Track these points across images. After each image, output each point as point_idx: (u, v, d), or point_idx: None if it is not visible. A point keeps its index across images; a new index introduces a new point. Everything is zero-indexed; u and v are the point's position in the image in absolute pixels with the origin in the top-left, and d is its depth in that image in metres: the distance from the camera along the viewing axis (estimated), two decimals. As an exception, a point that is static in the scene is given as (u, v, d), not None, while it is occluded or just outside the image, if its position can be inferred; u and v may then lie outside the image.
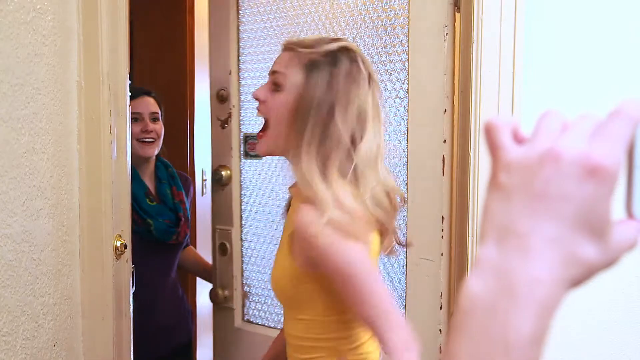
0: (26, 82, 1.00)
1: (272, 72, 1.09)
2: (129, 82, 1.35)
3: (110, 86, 1.25)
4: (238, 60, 1.88)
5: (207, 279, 2.08)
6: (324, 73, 1.05)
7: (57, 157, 1.12)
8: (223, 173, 1.89)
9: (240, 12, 1.86)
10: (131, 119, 1.78)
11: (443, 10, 1.42)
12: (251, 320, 1.90)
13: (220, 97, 1.90)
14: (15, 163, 0.96)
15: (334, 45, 1.08)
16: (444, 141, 1.44)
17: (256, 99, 1.09)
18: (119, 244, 1.29)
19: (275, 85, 1.08)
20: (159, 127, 1.85)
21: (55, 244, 1.12)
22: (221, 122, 1.91)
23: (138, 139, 1.80)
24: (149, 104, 1.85)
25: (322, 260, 1.01)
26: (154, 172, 1.90)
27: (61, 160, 1.14)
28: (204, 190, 3.26)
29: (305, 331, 1.11)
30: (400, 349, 0.95)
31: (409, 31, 1.51)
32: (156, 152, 1.85)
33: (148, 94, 1.87)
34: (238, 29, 1.87)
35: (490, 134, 0.38)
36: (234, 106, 1.89)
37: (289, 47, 1.10)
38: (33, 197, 1.03)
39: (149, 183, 1.87)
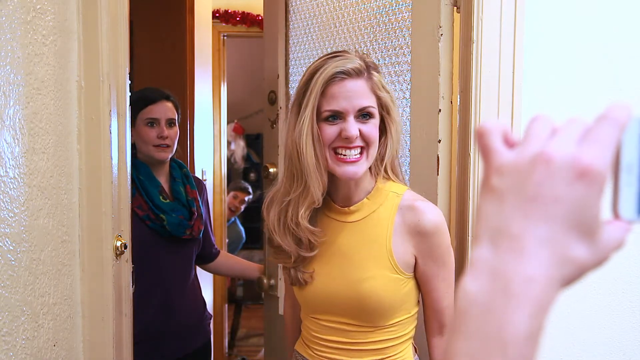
0: (26, 82, 1.00)
1: (362, 109, 1.12)
2: (129, 82, 1.35)
3: (110, 86, 1.25)
4: (286, 65, 1.94)
5: (246, 277, 2.23)
6: (386, 93, 1.17)
7: (57, 157, 1.12)
8: (271, 170, 1.95)
9: (289, 18, 1.94)
10: (148, 123, 1.82)
11: (437, 11, 1.42)
12: None
13: (270, 99, 1.98)
14: (15, 163, 0.96)
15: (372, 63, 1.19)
16: (439, 141, 1.45)
17: (356, 137, 1.12)
18: (119, 244, 1.29)
19: (368, 116, 1.14)
20: (174, 132, 1.89)
21: (55, 244, 1.12)
22: (271, 122, 2.00)
23: (154, 145, 1.83)
24: (167, 110, 1.87)
25: (443, 253, 1.17)
26: (168, 172, 1.93)
27: (61, 160, 1.14)
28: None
29: (395, 332, 1.19)
30: None
31: (411, 33, 1.51)
32: (170, 155, 1.89)
33: (167, 98, 1.89)
34: (286, 36, 1.94)
35: (482, 138, 0.40)
36: (281, 108, 1.95)
37: (367, 76, 1.14)
38: (33, 197, 1.03)
39: (164, 183, 1.91)
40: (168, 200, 1.85)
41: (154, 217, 1.80)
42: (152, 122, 1.83)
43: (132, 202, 1.76)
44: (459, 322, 0.37)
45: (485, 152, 0.39)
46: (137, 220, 1.77)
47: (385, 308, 1.16)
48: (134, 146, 1.83)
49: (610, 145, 0.36)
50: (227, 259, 2.16)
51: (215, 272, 2.27)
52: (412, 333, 1.25)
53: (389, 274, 1.16)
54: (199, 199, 1.96)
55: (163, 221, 1.80)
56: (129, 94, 1.35)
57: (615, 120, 0.36)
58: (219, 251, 2.12)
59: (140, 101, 1.83)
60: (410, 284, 1.19)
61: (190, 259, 1.97)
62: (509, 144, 0.39)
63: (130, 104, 1.63)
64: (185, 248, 1.92)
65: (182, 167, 1.98)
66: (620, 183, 0.37)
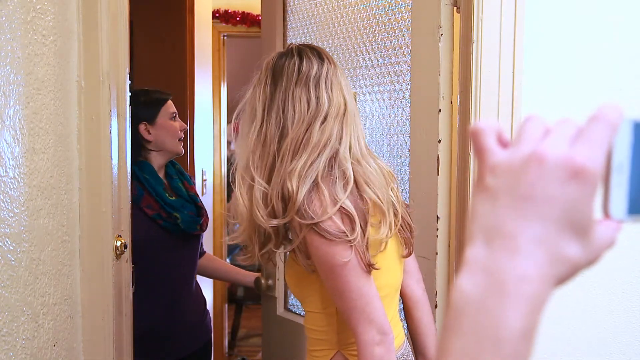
0: (26, 82, 1.00)
1: None
2: (129, 82, 1.35)
3: (110, 86, 1.25)
4: None
5: (234, 281, 2.21)
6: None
7: (57, 157, 1.12)
8: None
9: (287, 18, 1.94)
10: (172, 117, 1.85)
11: (437, 11, 1.42)
12: (291, 309, 1.96)
13: None
14: (15, 163, 0.96)
15: None
16: (439, 141, 1.45)
17: None
18: (119, 244, 1.29)
19: None
20: None
21: (55, 244, 1.12)
22: None
23: (179, 138, 1.85)
24: (174, 105, 1.91)
25: (310, 251, 1.06)
26: (164, 170, 1.93)
27: (61, 160, 1.14)
28: (204, 190, 3.26)
29: (311, 323, 1.17)
30: (370, 343, 1.00)
31: (411, 33, 1.51)
32: None
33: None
34: (284, 36, 1.93)
35: (476, 137, 0.40)
36: None
37: None
38: (33, 197, 1.03)
39: (163, 180, 1.91)
40: (174, 198, 1.84)
41: (165, 215, 1.78)
42: (175, 116, 1.86)
43: (140, 201, 1.76)
44: (454, 320, 0.37)
45: (479, 151, 0.40)
46: (146, 219, 1.76)
47: (291, 286, 1.18)
48: (135, 146, 1.83)
49: (603, 146, 0.36)
50: (210, 261, 2.13)
51: (198, 272, 2.23)
52: (331, 338, 1.14)
53: (294, 256, 1.14)
54: (197, 193, 1.96)
55: (177, 219, 1.79)
56: (129, 94, 1.35)
57: (607, 121, 0.36)
58: (204, 251, 2.11)
59: (158, 99, 1.85)
60: (309, 278, 1.12)
61: (197, 255, 1.97)
62: (503, 143, 0.40)
63: (150, 103, 1.65)
64: (193, 244, 1.92)
65: (174, 164, 1.98)
66: (611, 183, 0.38)
